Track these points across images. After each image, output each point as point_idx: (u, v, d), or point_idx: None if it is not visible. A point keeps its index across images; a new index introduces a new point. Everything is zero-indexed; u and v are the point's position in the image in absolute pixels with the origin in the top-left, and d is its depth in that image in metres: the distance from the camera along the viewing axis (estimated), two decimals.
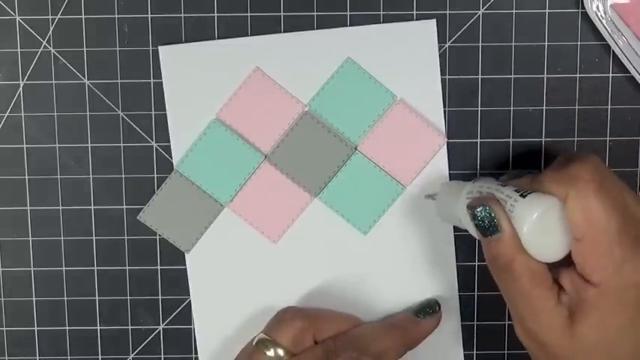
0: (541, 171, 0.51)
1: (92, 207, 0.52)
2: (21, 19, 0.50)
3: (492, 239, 0.42)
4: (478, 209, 0.43)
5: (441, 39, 0.51)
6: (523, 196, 0.42)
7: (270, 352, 0.48)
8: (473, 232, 0.44)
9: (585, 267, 0.41)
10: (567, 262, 0.42)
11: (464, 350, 0.53)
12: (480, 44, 0.51)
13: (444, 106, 0.51)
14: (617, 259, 0.40)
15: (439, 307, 0.51)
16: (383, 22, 0.51)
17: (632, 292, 0.40)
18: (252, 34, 0.51)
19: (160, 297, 0.52)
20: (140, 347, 0.53)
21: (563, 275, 0.42)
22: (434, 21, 0.50)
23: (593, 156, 0.42)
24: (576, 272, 0.41)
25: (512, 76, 0.51)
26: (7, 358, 0.53)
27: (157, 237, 0.52)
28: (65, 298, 0.53)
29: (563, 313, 0.41)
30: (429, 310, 0.51)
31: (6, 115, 0.51)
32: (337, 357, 0.47)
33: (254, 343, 0.49)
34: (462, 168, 0.51)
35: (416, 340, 0.50)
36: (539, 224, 0.41)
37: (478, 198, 0.44)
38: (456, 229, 0.52)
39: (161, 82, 0.51)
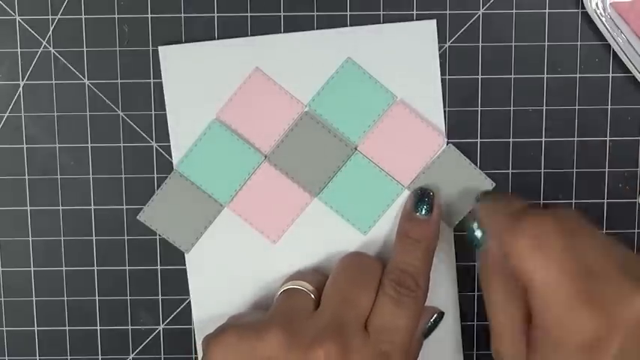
0: (540, 170, 0.51)
1: (92, 207, 0.52)
2: (21, 19, 0.50)
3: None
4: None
5: (441, 39, 0.51)
6: None
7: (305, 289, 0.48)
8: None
9: (533, 311, 0.41)
10: None
11: (464, 350, 0.53)
12: (480, 44, 0.51)
13: (444, 106, 0.51)
14: (559, 310, 0.39)
15: (432, 193, 0.50)
16: (383, 22, 0.51)
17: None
18: (252, 34, 0.51)
19: (159, 297, 0.52)
20: (140, 347, 0.53)
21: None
22: (434, 21, 0.50)
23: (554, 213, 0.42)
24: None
25: (513, 76, 0.51)
26: (7, 358, 0.53)
27: (157, 237, 0.52)
28: (65, 298, 0.53)
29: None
30: (426, 199, 0.49)
31: (6, 115, 0.51)
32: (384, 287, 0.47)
33: (281, 290, 0.49)
34: None
35: (435, 238, 0.49)
36: None
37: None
38: (455, 229, 0.52)
39: (161, 82, 0.51)
